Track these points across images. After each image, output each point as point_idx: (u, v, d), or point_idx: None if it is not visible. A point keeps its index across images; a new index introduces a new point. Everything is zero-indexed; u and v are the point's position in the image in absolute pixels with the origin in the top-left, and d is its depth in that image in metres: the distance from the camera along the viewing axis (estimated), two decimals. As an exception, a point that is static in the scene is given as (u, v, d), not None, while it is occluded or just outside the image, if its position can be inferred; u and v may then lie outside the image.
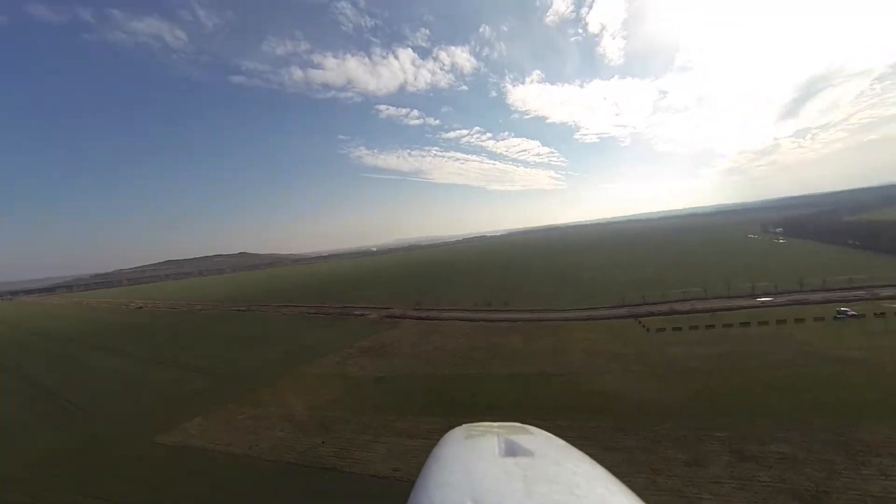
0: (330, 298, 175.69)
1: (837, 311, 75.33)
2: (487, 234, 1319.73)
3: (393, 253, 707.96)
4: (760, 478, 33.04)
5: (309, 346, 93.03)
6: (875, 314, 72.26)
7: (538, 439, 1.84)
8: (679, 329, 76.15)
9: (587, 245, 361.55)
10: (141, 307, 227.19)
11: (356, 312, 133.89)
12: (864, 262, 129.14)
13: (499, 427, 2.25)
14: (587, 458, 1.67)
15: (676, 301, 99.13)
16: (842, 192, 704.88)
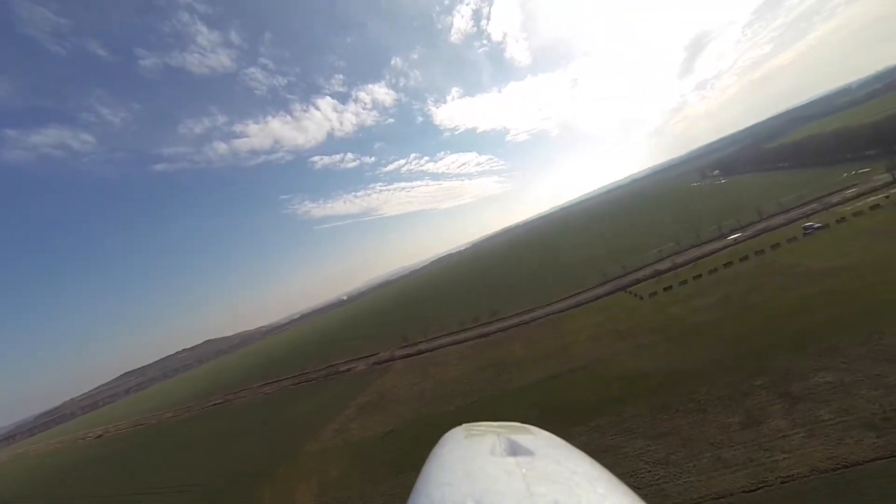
0: (311, 361, 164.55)
1: (804, 227, 77.30)
2: (453, 252, 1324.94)
3: (365, 296, 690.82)
4: (822, 417, 30.23)
5: (301, 422, 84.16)
6: (836, 221, 74.66)
7: (538, 439, 1.75)
8: (670, 287, 75.11)
9: (552, 234, 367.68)
10: (101, 435, 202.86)
11: (342, 369, 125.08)
12: (800, 179, 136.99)
13: (498, 427, 2.20)
14: (587, 458, 1.61)
15: (655, 262, 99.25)
16: (752, 126, 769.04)
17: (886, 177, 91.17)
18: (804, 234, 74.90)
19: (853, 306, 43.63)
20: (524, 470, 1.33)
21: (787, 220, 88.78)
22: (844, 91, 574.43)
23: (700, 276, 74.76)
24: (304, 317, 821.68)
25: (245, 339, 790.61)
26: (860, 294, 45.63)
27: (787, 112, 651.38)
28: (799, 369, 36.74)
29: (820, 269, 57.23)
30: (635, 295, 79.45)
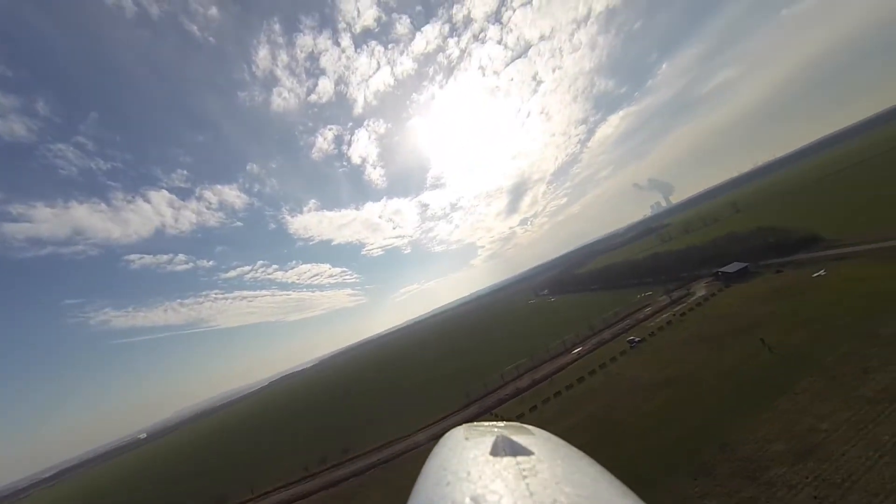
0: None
1: (629, 341, 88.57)
2: (297, 369, 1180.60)
3: (173, 432, 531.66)
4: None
5: None
6: (650, 335, 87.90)
7: (538, 439, 1.77)
8: (535, 408, 73.33)
9: (406, 350, 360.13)
10: None
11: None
12: (609, 298, 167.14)
13: (498, 427, 2.11)
14: (587, 458, 1.63)
15: (515, 379, 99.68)
16: (564, 255, 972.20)
17: (666, 299, 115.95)
18: (630, 347, 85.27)
19: (696, 417, 46.48)
20: (524, 470, 1.33)
21: (613, 335, 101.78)
22: (617, 234, 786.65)
23: (559, 392, 75.68)
24: (79, 466, 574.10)
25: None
26: (698, 403, 49.58)
27: (585, 246, 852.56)
28: (684, 498, 34.68)
29: (657, 380, 62.86)
30: (502, 419, 74.98)
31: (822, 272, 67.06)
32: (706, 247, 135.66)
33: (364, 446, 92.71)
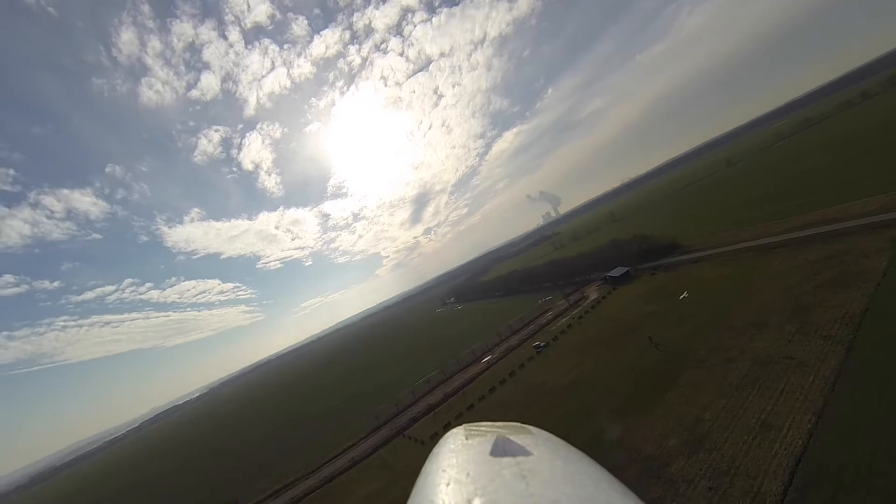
0: None
1: (535, 346, 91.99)
2: (178, 402, 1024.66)
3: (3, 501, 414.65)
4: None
5: None
6: (553, 339, 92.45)
7: (538, 439, 1.92)
8: (448, 425, 70.79)
9: (307, 370, 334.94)
10: None
11: None
12: (512, 305, 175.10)
13: (498, 427, 2.23)
14: (587, 458, 1.67)
15: (427, 394, 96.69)
16: (467, 263, 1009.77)
17: (564, 303, 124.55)
18: (537, 353, 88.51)
19: (602, 420, 48.43)
20: (524, 470, 1.36)
21: (520, 341, 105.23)
22: (514, 243, 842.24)
23: (472, 406, 74.65)
24: None
25: None
26: (602, 405, 51.95)
27: (486, 254, 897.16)
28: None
29: (563, 384, 65.26)
30: (414, 440, 71.25)
31: (685, 294, 77.02)
32: (594, 253, 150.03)
33: (261, 491, 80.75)
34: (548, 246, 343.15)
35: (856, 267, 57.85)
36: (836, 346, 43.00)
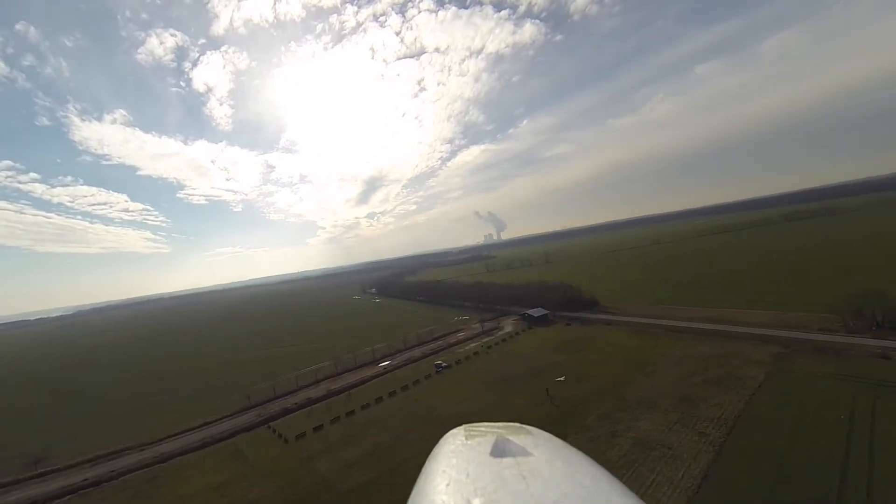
0: None
1: (435, 365, 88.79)
2: (31, 316, 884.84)
3: None
4: None
5: None
6: (456, 362, 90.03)
7: (537, 439, 2.00)
8: (321, 427, 64.57)
9: (199, 320, 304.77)
10: None
11: None
12: (430, 313, 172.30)
13: (498, 427, 2.30)
14: (586, 458, 1.71)
15: (311, 385, 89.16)
16: (400, 258, 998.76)
17: (479, 327, 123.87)
18: (436, 372, 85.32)
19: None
20: (524, 470, 1.38)
21: (423, 354, 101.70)
22: (451, 252, 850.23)
23: (353, 412, 68.99)
24: None
25: None
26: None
27: (422, 255, 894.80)
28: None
29: (452, 413, 62.16)
30: (280, 435, 63.82)
31: (561, 378, 70.98)
32: (521, 287, 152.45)
33: (71, 456, 67.56)
34: (481, 266, 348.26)
35: (739, 372, 62.05)
36: (708, 446, 44.38)
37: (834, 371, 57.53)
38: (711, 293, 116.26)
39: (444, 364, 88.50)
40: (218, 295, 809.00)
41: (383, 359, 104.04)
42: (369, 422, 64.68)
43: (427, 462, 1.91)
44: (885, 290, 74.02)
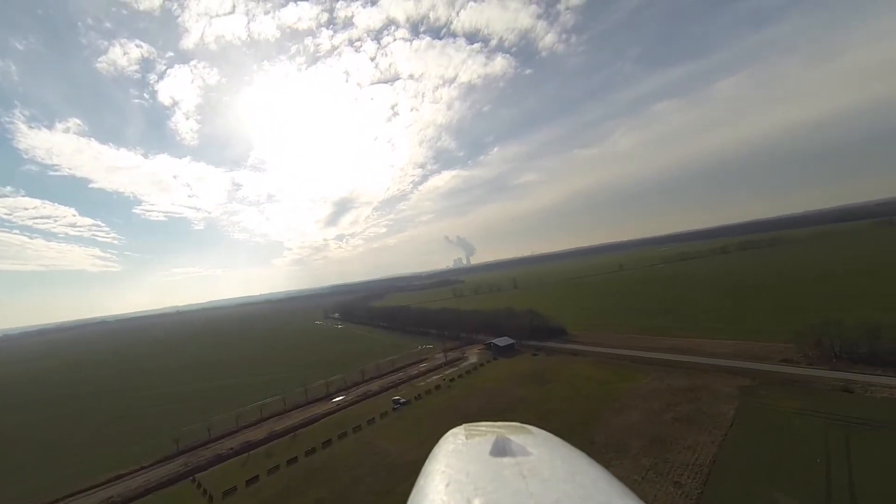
0: None
1: (393, 401, 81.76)
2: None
3: None
4: None
5: None
6: (416, 397, 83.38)
7: (538, 439, 2.01)
8: (255, 480, 55.96)
9: (147, 345, 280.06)
10: None
11: None
12: (393, 341, 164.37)
13: (499, 427, 2.28)
14: (586, 458, 1.72)
15: (253, 424, 79.56)
16: (367, 281, 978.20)
17: (442, 358, 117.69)
18: (393, 409, 78.28)
19: None
20: (524, 470, 1.37)
21: (381, 388, 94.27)
22: (420, 277, 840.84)
23: (296, 458, 60.78)
24: None
25: None
26: None
27: (389, 279, 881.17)
28: None
29: (406, 460, 55.57)
30: (205, 491, 54.64)
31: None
32: (487, 314, 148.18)
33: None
34: (449, 291, 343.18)
35: (709, 409, 59.36)
36: (685, 499, 40.33)
37: (802, 406, 55.82)
38: (675, 322, 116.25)
39: (402, 400, 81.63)
40: (171, 318, 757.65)
41: (338, 393, 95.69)
42: (313, 471, 56.81)
43: (427, 462, 1.93)
44: (842, 319, 74.82)
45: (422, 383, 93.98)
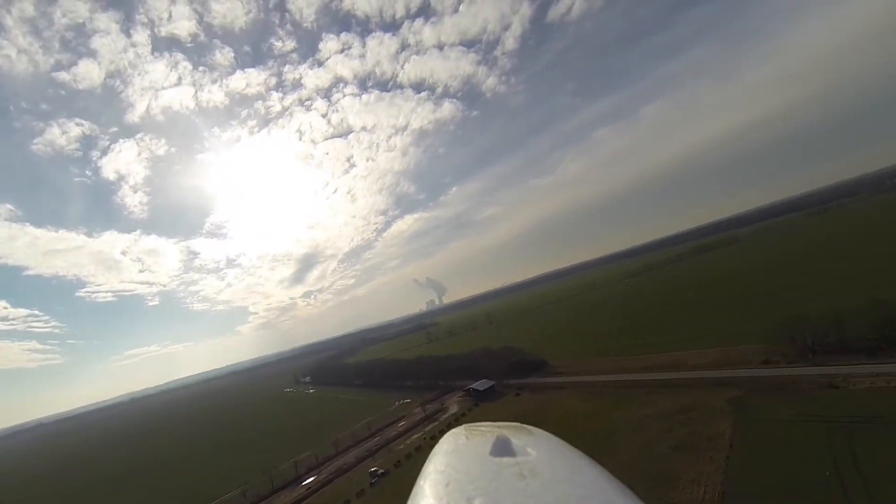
0: None
1: (370, 473, 73.12)
2: None
3: None
4: None
5: None
6: (395, 465, 75.10)
7: (538, 439, 1.99)
8: None
9: (83, 449, 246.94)
10: None
11: None
12: (368, 400, 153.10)
13: (499, 427, 2.28)
14: (587, 458, 1.69)
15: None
16: (341, 336, 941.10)
17: (420, 412, 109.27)
18: (371, 484, 69.67)
19: None
20: (525, 470, 1.37)
21: (357, 459, 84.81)
22: (393, 324, 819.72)
23: (255, 573, 50.89)
24: None
25: None
26: None
27: (362, 331, 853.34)
28: None
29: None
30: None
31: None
32: (464, 356, 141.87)
33: None
34: (423, 336, 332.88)
35: (704, 430, 55.88)
36: (704, 549, 35.51)
37: (796, 412, 53.48)
38: (651, 336, 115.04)
39: (380, 471, 73.09)
40: (121, 409, 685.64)
41: (308, 473, 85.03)
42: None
43: (427, 462, 1.87)
44: (807, 311, 75.12)
45: (401, 446, 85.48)
